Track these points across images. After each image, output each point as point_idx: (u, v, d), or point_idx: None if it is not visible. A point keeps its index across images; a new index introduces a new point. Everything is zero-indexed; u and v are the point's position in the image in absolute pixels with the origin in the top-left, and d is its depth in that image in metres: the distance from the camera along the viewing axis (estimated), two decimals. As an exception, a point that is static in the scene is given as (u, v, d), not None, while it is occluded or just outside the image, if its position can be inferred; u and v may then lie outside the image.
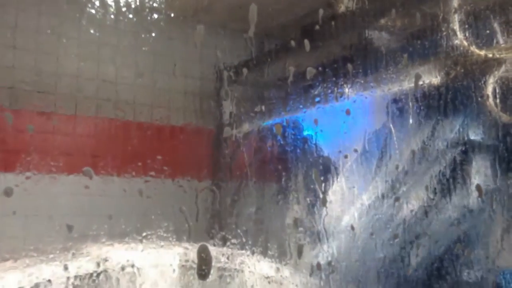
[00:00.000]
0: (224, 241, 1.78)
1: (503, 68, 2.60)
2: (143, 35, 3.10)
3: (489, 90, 2.58)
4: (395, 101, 2.73)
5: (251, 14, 1.84)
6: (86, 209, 2.71)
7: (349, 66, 2.74)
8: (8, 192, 1.77)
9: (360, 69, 2.73)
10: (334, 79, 2.78)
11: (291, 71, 2.76)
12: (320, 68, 2.76)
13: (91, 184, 2.05)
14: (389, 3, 2.70)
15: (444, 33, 2.59)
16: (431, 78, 2.63)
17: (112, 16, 2.78)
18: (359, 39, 2.94)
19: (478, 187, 2.55)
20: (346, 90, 2.75)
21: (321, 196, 2.39)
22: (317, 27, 2.73)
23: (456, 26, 2.58)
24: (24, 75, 3.08)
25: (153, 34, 3.09)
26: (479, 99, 2.57)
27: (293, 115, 3.04)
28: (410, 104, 2.67)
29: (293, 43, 2.90)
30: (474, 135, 2.70)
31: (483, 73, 2.60)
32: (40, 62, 3.12)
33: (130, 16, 2.81)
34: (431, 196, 2.63)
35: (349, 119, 2.62)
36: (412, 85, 2.64)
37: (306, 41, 2.74)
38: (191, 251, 1.73)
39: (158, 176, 2.72)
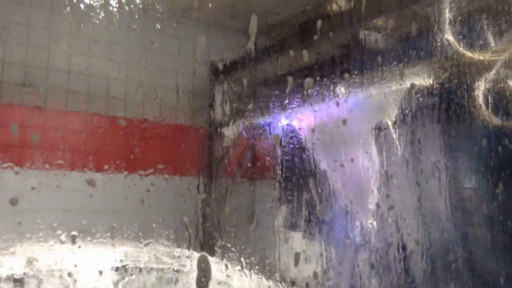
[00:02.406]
0: (223, 251, 1.81)
1: (494, 71, 2.64)
2: (135, 32, 3.07)
3: (480, 92, 2.62)
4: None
5: (252, 25, 1.83)
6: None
7: (339, 67, 2.76)
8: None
9: (350, 71, 2.75)
10: (325, 79, 2.80)
11: (284, 69, 2.77)
12: (313, 67, 2.77)
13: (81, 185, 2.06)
14: (380, 4, 2.71)
15: (435, 36, 2.62)
16: (421, 81, 2.66)
17: (104, 12, 2.75)
18: (349, 41, 2.95)
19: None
20: (337, 89, 2.77)
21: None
22: (310, 25, 2.73)
23: (447, 29, 2.60)
24: (14, 70, 3.05)
25: (146, 30, 3.07)
26: (470, 102, 2.61)
27: (287, 114, 3.06)
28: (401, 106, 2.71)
29: (286, 41, 2.90)
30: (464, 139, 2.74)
31: (474, 75, 2.64)
32: (31, 56, 3.09)
33: (122, 11, 2.79)
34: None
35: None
36: (400, 87, 2.67)
37: (300, 40, 2.74)
38: (191, 260, 1.76)
39: (150, 173, 2.73)
